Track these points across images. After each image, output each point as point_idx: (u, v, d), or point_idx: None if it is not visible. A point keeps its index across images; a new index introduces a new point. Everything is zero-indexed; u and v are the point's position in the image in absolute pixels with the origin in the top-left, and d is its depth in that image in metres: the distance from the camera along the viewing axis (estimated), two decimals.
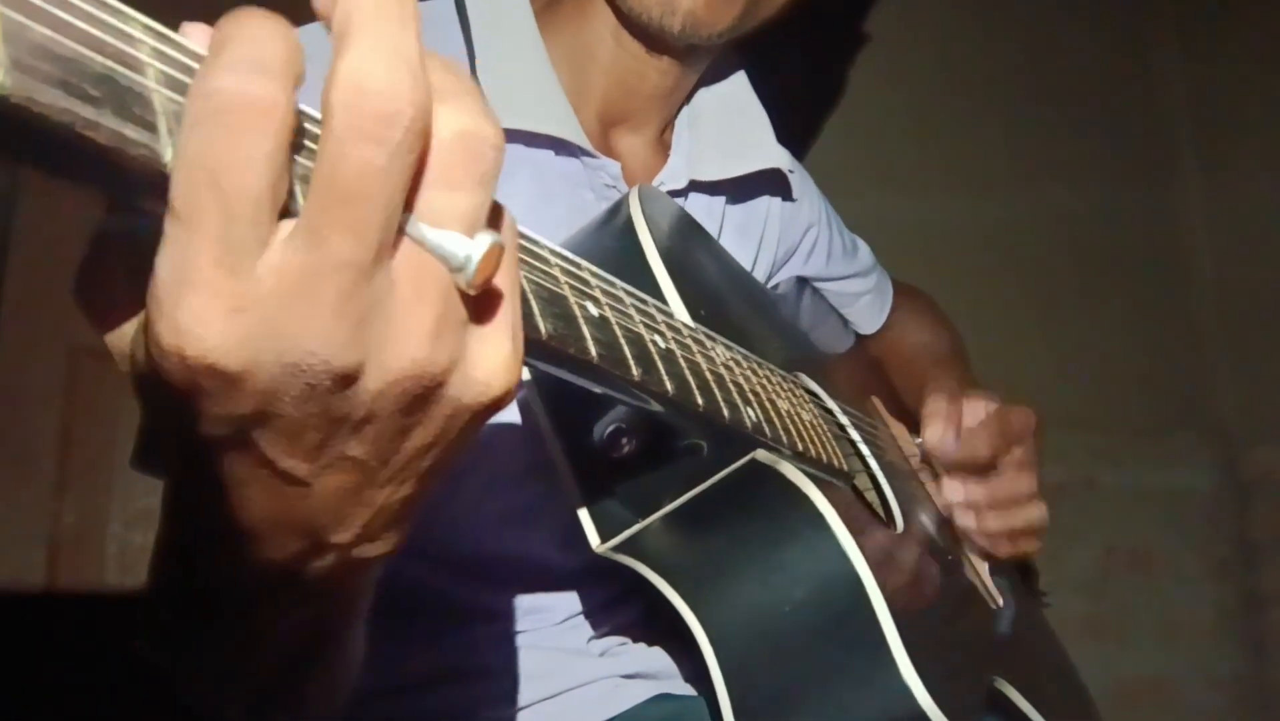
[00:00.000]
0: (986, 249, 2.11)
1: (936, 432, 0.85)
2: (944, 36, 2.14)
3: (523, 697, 0.76)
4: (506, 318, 0.34)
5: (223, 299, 0.28)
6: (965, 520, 0.86)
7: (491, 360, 0.34)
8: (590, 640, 0.79)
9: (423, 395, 0.32)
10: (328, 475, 0.33)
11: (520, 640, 0.78)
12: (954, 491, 0.86)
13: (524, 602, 0.78)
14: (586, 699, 0.76)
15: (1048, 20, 2.26)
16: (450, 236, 0.31)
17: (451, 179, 0.31)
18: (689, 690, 0.79)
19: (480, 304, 0.33)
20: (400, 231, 0.31)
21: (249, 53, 0.28)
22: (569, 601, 0.79)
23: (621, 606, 0.80)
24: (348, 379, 0.31)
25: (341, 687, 0.53)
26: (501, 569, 0.78)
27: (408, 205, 0.31)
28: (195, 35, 0.30)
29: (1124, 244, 2.29)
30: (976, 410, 0.88)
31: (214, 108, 0.27)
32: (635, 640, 0.81)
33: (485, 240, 0.31)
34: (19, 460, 1.45)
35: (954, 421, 0.86)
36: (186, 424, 0.31)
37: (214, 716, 0.52)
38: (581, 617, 0.79)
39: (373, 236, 0.29)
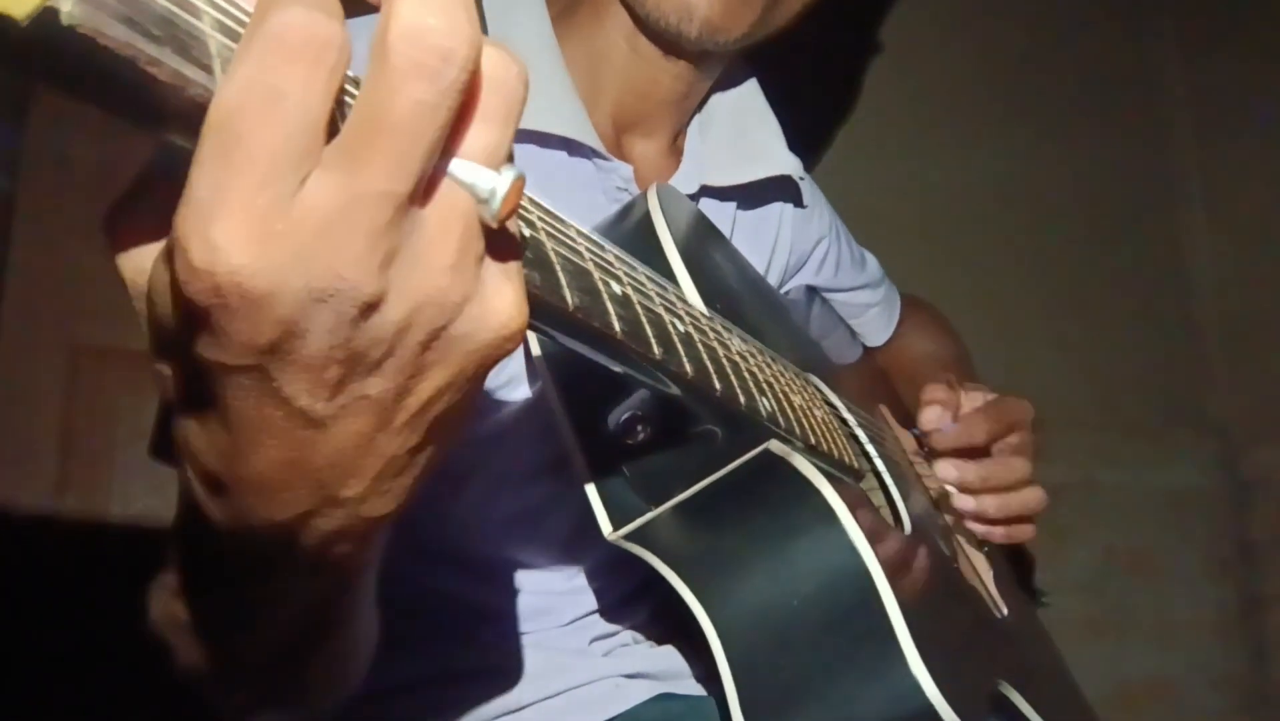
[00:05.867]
0: (987, 248, 2.11)
1: (933, 415, 0.86)
2: (945, 39, 2.14)
3: (524, 697, 0.76)
4: (519, 260, 0.35)
5: (259, 220, 0.28)
6: (962, 502, 0.87)
7: (506, 297, 0.34)
8: (593, 641, 0.79)
9: (441, 327, 0.33)
10: (345, 417, 0.33)
11: (525, 640, 0.78)
12: (948, 471, 0.86)
13: (530, 604, 0.78)
14: (588, 698, 0.77)
15: (1048, 21, 2.26)
16: (477, 169, 0.32)
17: (481, 112, 0.31)
18: (692, 690, 0.79)
19: (498, 240, 0.34)
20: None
21: None
22: (574, 603, 0.79)
23: (627, 608, 0.80)
24: (371, 308, 0.31)
25: (346, 673, 0.53)
26: (508, 570, 0.78)
27: (448, 144, 0.31)
28: None
29: (1124, 244, 2.29)
30: (974, 399, 0.89)
31: (282, 34, 0.28)
32: (639, 641, 0.81)
33: (510, 174, 0.32)
34: (19, 460, 1.45)
35: (951, 406, 0.86)
36: (206, 355, 0.31)
37: (219, 698, 0.52)
38: (586, 619, 0.80)
39: (413, 171, 0.30)
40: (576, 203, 0.79)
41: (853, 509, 0.61)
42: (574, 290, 0.41)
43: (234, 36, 0.29)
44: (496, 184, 0.32)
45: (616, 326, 0.43)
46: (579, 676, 0.77)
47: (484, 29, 0.80)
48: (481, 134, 0.32)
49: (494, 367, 0.35)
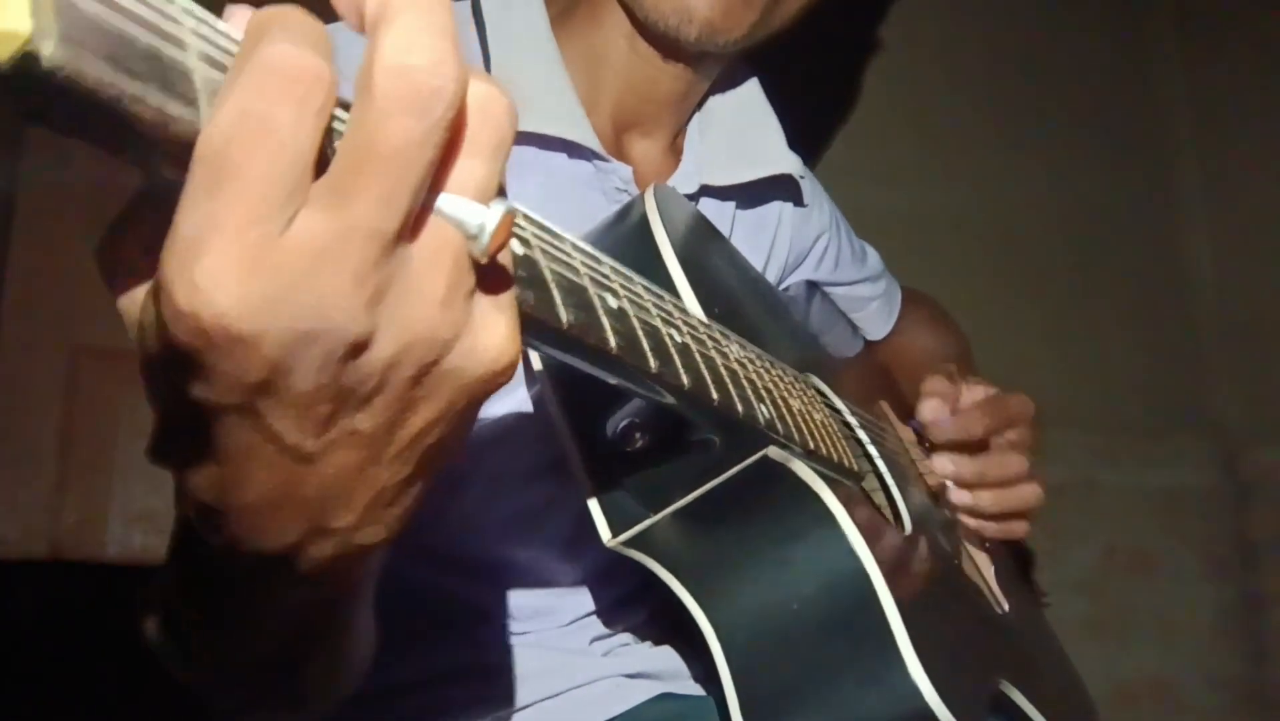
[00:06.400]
0: (986, 248, 2.11)
1: (932, 407, 0.86)
2: (945, 38, 2.14)
3: (525, 697, 0.76)
4: (510, 291, 0.34)
5: (245, 259, 0.28)
6: (958, 496, 0.87)
7: (498, 332, 0.34)
8: (594, 641, 0.79)
9: (431, 363, 0.32)
10: (334, 451, 0.33)
11: (524, 640, 0.78)
12: (944, 466, 0.86)
13: (530, 605, 0.78)
14: (589, 698, 0.77)
15: (1048, 20, 2.26)
16: (465, 204, 0.31)
17: (471, 146, 0.31)
18: (693, 690, 0.79)
19: (489, 274, 0.33)
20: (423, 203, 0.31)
21: (301, 31, 0.28)
22: (575, 603, 0.79)
23: (627, 608, 0.80)
24: (360, 347, 0.30)
25: (345, 672, 0.53)
26: (508, 571, 0.78)
27: (436, 179, 0.31)
28: (239, 15, 0.31)
29: (1124, 244, 2.29)
30: (974, 392, 0.89)
31: (271, 68, 0.27)
32: (640, 641, 0.81)
33: (499, 208, 0.32)
34: (19, 460, 1.45)
35: (950, 399, 0.86)
36: (194, 394, 0.31)
37: (215, 698, 0.52)
38: (586, 619, 0.79)
39: (402, 208, 0.29)
40: (576, 203, 0.79)
41: (852, 512, 0.61)
42: (569, 307, 0.40)
43: (220, 68, 0.29)
44: (486, 219, 0.31)
45: (612, 341, 0.43)
46: (580, 676, 0.77)
47: (482, 31, 0.80)
48: (470, 169, 0.31)
49: (487, 399, 0.35)
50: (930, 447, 0.90)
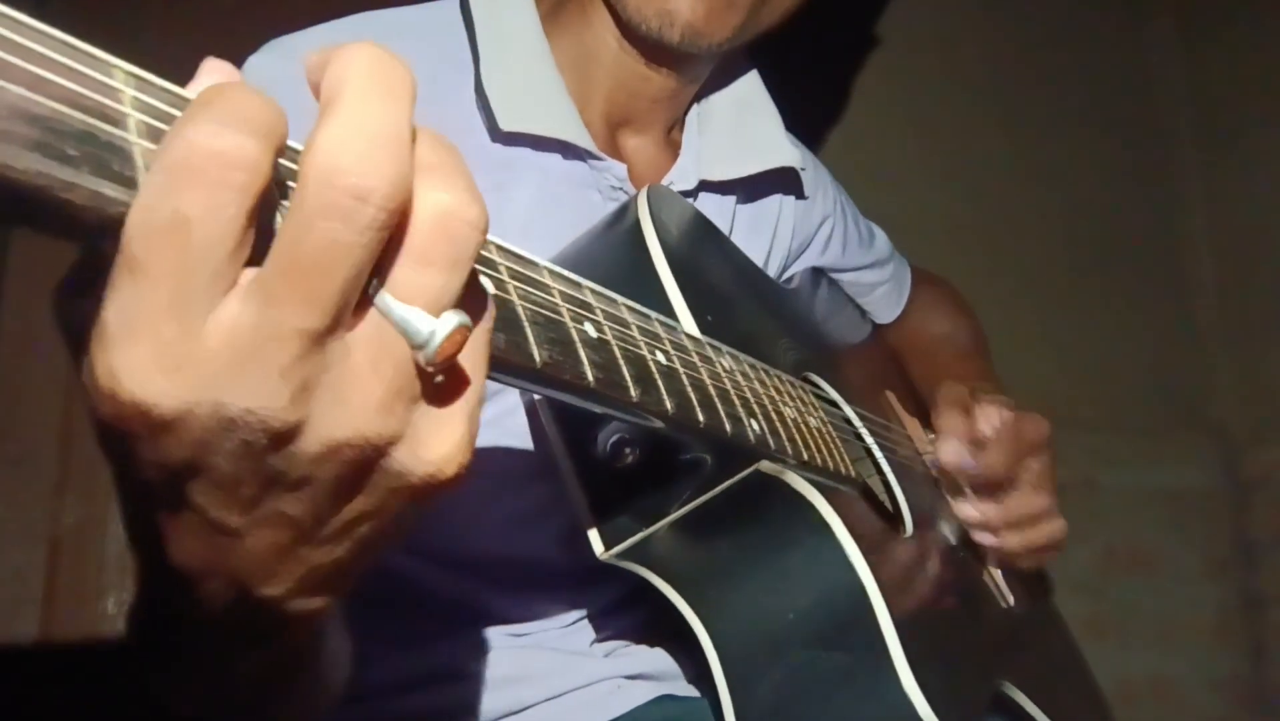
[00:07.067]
0: (986, 248, 2.11)
1: (951, 450, 0.83)
2: (945, 36, 2.14)
3: (526, 698, 0.76)
4: (467, 400, 0.34)
5: (166, 351, 0.28)
6: (984, 539, 0.86)
7: (444, 443, 0.33)
8: (594, 642, 0.79)
9: (364, 464, 0.32)
10: (260, 529, 0.33)
11: (525, 641, 0.78)
12: (970, 513, 0.85)
13: (531, 605, 0.78)
14: (589, 699, 0.76)
15: (1048, 19, 2.26)
16: (415, 313, 0.31)
17: (425, 256, 0.31)
18: (693, 691, 0.79)
19: (441, 383, 0.33)
20: (367, 298, 0.30)
21: (234, 108, 0.27)
22: (576, 604, 0.79)
23: (627, 609, 0.80)
24: (285, 438, 0.30)
25: (320, 703, 0.52)
26: (508, 571, 0.78)
27: (380, 274, 0.30)
28: (213, 69, 0.31)
29: (1124, 243, 2.29)
30: (990, 418, 0.87)
31: (191, 155, 0.26)
32: (640, 642, 0.80)
33: (451, 320, 0.31)
34: (19, 460, 1.45)
35: (968, 437, 0.85)
36: (126, 463, 0.31)
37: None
38: (587, 620, 0.79)
39: (329, 308, 0.29)
40: (573, 203, 0.79)
41: (848, 520, 0.61)
42: (542, 345, 0.40)
43: (161, 139, 0.28)
44: (435, 328, 0.30)
45: (589, 375, 0.42)
46: (580, 677, 0.77)
47: (472, 31, 0.80)
48: (424, 279, 0.31)
49: (429, 501, 0.35)
50: (950, 486, 0.88)
